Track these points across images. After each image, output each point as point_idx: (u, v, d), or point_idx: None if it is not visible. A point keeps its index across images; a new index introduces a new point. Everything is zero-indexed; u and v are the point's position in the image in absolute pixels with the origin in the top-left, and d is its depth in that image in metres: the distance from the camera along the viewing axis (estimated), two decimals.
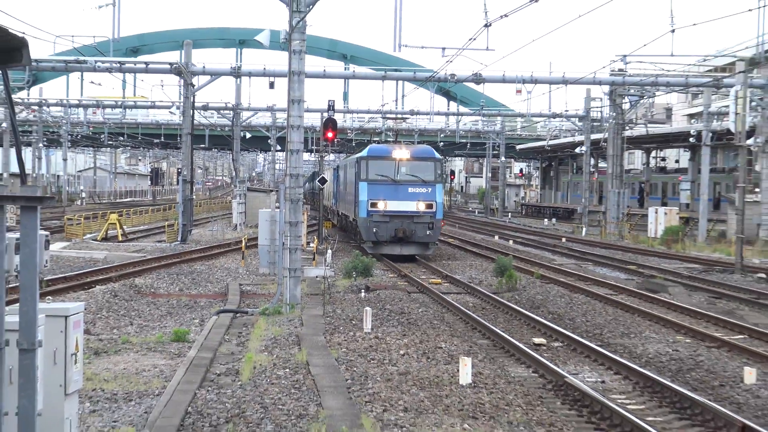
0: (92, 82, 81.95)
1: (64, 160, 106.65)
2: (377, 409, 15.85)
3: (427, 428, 14.76)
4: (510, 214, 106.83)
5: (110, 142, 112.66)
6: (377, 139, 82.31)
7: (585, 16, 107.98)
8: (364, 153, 45.15)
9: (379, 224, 41.82)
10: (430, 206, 41.67)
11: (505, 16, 30.67)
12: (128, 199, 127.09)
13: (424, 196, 41.97)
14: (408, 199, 42.03)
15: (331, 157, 65.93)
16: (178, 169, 67.93)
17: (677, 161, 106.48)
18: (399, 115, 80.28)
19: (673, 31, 55.67)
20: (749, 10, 32.11)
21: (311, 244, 45.42)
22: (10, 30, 6.51)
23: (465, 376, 17.99)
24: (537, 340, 23.56)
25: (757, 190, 56.21)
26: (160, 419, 14.98)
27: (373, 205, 42.07)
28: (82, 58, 59.39)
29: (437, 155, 45.05)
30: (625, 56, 62.89)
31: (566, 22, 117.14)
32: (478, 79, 60.58)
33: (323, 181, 54.73)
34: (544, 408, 16.57)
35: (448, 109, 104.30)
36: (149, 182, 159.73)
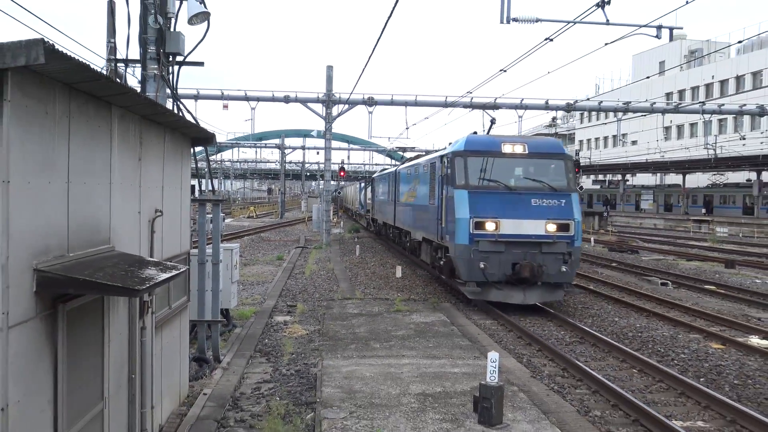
0: (243, 151, 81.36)
1: (231, 184, 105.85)
2: (362, 288, 15.80)
3: (383, 295, 14.72)
4: None
5: (249, 177, 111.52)
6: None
7: (448, 124, 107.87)
8: (459, 146, 12.35)
9: (488, 256, 11.37)
10: (565, 227, 11.40)
11: (414, 124, 30.74)
12: (258, 201, 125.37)
13: (556, 212, 11.45)
14: (532, 216, 11.40)
15: (342, 182, 65.25)
16: (279, 188, 67.46)
17: None
18: (369, 167, 79.68)
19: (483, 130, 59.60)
20: (513, 122, 32.14)
21: (334, 219, 45.07)
22: (207, 129, 6.44)
23: (399, 273, 17.96)
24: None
25: None
26: (270, 292, 14.88)
27: (479, 226, 11.35)
28: (239, 142, 59.35)
29: (567, 151, 12.67)
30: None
31: (443, 124, 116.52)
32: (404, 149, 60.38)
33: (339, 192, 54.56)
34: (431, 287, 16.57)
35: (392, 164, 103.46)
36: (267, 193, 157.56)
